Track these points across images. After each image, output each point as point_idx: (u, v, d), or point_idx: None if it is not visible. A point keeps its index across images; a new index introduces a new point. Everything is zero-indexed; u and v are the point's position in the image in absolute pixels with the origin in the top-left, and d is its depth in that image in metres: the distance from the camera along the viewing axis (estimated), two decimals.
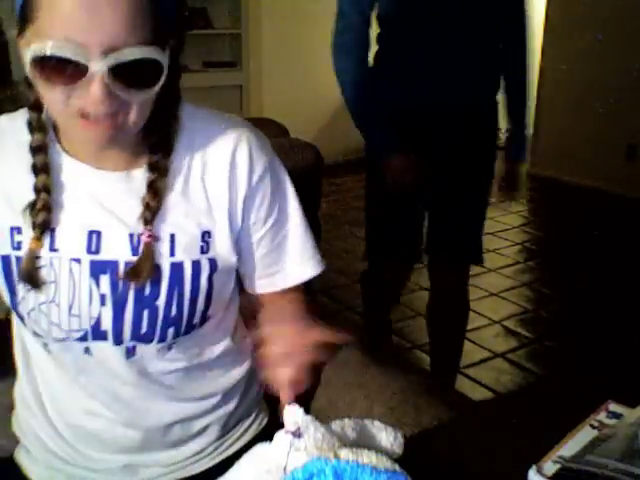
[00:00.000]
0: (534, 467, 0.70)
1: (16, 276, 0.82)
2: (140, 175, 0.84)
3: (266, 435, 0.69)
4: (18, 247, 0.82)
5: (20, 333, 0.92)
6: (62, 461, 0.93)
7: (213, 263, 0.86)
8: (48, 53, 0.68)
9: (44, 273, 0.82)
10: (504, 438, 0.82)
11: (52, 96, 0.73)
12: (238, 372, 0.98)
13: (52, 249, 0.82)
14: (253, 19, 4.62)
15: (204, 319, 0.87)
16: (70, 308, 0.82)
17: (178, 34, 0.77)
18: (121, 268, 0.82)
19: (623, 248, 3.66)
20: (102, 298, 0.82)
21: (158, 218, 0.83)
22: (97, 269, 0.82)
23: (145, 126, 0.79)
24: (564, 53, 4.82)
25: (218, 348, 0.94)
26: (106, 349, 0.84)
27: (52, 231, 0.82)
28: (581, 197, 4.60)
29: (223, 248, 0.87)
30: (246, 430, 1.00)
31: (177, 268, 0.83)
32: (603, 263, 3.47)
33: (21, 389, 0.96)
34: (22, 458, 0.97)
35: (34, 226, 0.80)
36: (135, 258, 0.82)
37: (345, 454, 0.64)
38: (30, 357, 0.92)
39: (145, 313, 0.83)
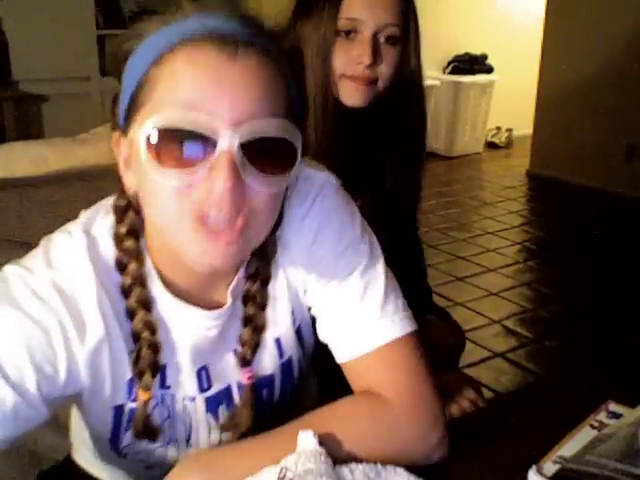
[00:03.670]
0: (534, 467, 0.70)
1: (124, 426, 0.74)
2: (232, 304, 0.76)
3: None
4: (134, 399, 0.73)
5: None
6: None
7: (301, 338, 0.83)
8: (169, 124, 0.58)
9: (156, 414, 0.75)
10: (504, 438, 0.82)
11: (165, 193, 0.60)
12: None
13: (163, 386, 0.75)
14: None
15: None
16: (188, 441, 0.78)
17: (301, 121, 0.66)
18: (235, 391, 0.78)
19: (623, 248, 3.66)
20: (222, 427, 0.78)
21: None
22: (213, 404, 0.78)
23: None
24: (564, 53, 4.82)
25: None
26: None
27: (162, 369, 0.74)
28: (581, 197, 4.60)
29: (307, 323, 0.83)
30: None
31: (286, 365, 0.82)
32: (603, 263, 3.47)
33: (84, 452, 0.89)
34: (79, 459, 0.91)
35: (140, 375, 0.71)
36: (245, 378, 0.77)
37: None
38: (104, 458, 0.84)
39: (262, 413, 0.80)
